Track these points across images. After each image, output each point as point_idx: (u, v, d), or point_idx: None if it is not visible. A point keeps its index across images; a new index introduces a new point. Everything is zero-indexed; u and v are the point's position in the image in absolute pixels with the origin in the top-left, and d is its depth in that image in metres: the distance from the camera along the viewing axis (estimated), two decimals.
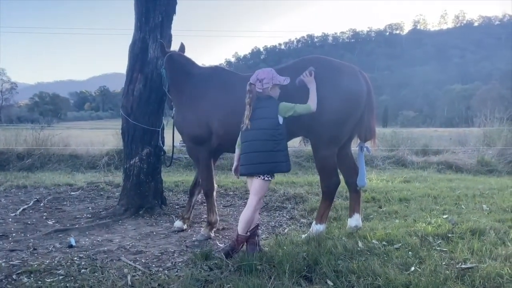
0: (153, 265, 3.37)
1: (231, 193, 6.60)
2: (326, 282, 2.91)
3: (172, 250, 3.78)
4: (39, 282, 2.95)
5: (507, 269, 2.97)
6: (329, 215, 4.26)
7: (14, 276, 3.05)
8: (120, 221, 4.84)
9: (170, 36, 5.41)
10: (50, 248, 3.78)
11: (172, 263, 3.43)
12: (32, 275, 3.07)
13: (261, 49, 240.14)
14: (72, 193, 6.49)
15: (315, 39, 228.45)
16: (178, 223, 4.54)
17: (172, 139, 5.02)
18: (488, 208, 5.19)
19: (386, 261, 3.19)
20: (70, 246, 3.83)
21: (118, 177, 7.57)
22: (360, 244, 3.63)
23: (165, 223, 4.83)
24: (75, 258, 3.46)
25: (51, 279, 3.00)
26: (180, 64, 4.55)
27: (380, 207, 5.40)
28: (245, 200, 6.05)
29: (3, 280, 2.97)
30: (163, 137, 5.34)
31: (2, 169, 9.04)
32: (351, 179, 4.20)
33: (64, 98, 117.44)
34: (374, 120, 4.12)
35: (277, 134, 3.48)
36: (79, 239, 4.11)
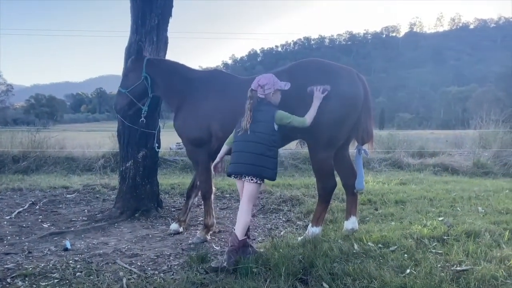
0: (149, 268, 3.36)
1: (228, 195, 6.60)
2: (322, 285, 2.91)
3: (168, 253, 3.77)
4: (34, 286, 2.94)
5: (502, 271, 2.99)
6: (325, 218, 4.26)
7: (8, 280, 3.03)
8: (116, 224, 4.82)
9: (166, 39, 5.41)
10: (45, 251, 3.77)
11: (168, 266, 3.42)
12: (27, 279, 3.06)
13: (258, 51, 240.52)
14: (68, 195, 6.46)
15: (312, 42, 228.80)
16: (174, 226, 4.53)
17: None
18: (483, 210, 5.22)
19: (381, 264, 3.20)
20: (66, 249, 3.82)
21: (114, 180, 7.55)
22: (356, 246, 3.63)
23: (161, 226, 4.82)
24: (71, 262, 3.45)
25: (46, 283, 2.99)
26: (174, 69, 4.56)
27: (376, 209, 5.42)
28: None
29: None
30: (159, 140, 5.32)
31: None
32: (348, 181, 4.21)
33: (60, 100, 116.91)
34: (372, 122, 4.14)
35: (270, 139, 3.49)
36: (75, 242, 4.09)
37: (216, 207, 5.70)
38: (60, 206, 5.79)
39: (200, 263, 3.39)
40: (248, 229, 3.65)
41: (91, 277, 3.10)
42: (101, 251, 3.79)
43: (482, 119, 12.22)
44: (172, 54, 5.39)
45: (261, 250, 3.61)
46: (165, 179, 7.90)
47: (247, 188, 3.54)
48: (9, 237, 4.24)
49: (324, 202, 4.01)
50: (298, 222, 4.94)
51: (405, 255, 3.42)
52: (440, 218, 4.73)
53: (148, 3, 5.13)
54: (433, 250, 3.56)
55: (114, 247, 3.95)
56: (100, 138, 12.06)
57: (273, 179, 3.58)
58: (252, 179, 3.48)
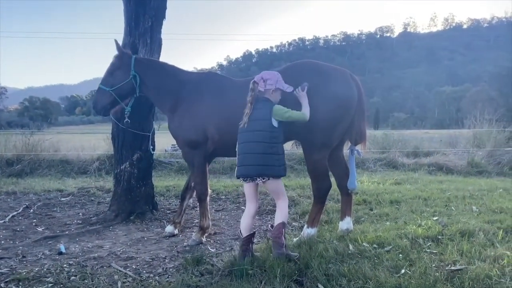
0: (144, 271, 3.35)
1: (223, 197, 6.59)
2: (317, 286, 2.92)
3: (163, 256, 3.76)
4: None
5: (496, 271, 3.00)
6: (320, 219, 4.27)
7: (2, 285, 3.01)
8: (111, 227, 4.80)
9: (160, 40, 5.41)
10: (40, 256, 3.74)
11: (163, 268, 3.42)
12: (20, 283, 3.05)
13: (253, 52, 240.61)
14: (63, 199, 6.43)
15: (307, 42, 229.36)
16: (169, 228, 4.52)
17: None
18: (477, 210, 5.25)
19: (376, 264, 3.21)
20: (60, 253, 3.80)
21: (109, 182, 7.52)
22: (351, 247, 3.64)
23: (156, 229, 4.81)
24: (65, 265, 3.43)
25: (40, 287, 2.97)
26: (165, 69, 4.52)
27: (371, 210, 5.43)
28: (237, 204, 6.06)
29: None
30: (154, 142, 5.31)
31: None
32: (343, 182, 4.22)
33: (55, 103, 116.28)
34: (365, 123, 4.17)
35: (271, 136, 3.46)
36: (69, 245, 4.07)
37: (212, 209, 5.69)
38: (55, 209, 5.76)
39: (195, 265, 3.38)
40: (253, 234, 3.61)
41: (86, 281, 3.09)
42: (96, 255, 3.77)
43: (476, 119, 12.29)
44: (166, 56, 5.39)
45: (257, 253, 3.59)
46: (160, 181, 7.88)
47: (270, 189, 3.61)
48: (2, 242, 4.21)
49: (319, 203, 4.02)
50: (293, 223, 4.94)
51: (400, 255, 3.43)
52: (435, 218, 4.75)
53: (141, 5, 5.12)
54: (428, 250, 3.58)
55: (109, 250, 3.94)
56: (95, 141, 12.00)
57: (282, 175, 3.56)
58: (264, 179, 3.48)
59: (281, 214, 3.53)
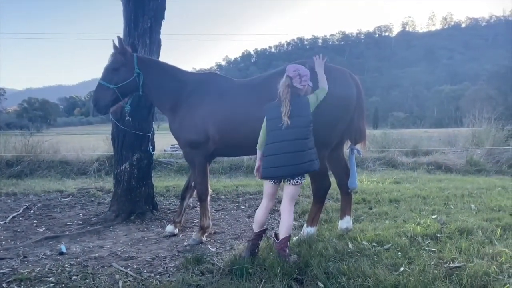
0: (145, 271, 3.37)
1: (223, 197, 6.61)
2: (317, 284, 2.94)
3: (164, 255, 3.77)
4: None
5: (494, 268, 3.03)
6: (320, 218, 4.29)
7: (4, 285, 3.03)
8: (111, 227, 4.82)
9: (159, 41, 5.42)
10: (41, 256, 3.76)
11: (163, 268, 3.43)
12: (22, 283, 3.06)
13: (252, 52, 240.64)
14: (63, 199, 6.45)
15: (305, 42, 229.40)
16: (169, 228, 4.54)
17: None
18: (476, 208, 5.27)
19: (376, 262, 3.23)
20: (61, 253, 3.81)
21: (109, 183, 7.54)
22: (350, 245, 3.66)
23: (157, 228, 4.82)
24: (66, 265, 3.45)
25: (42, 287, 2.99)
26: (165, 70, 4.52)
27: (371, 209, 5.45)
28: (237, 204, 6.08)
29: None
30: (153, 142, 5.32)
31: None
32: (343, 181, 4.24)
33: (54, 104, 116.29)
34: (364, 122, 4.19)
35: (307, 132, 3.40)
36: (70, 246, 4.09)
37: (212, 208, 5.70)
38: (55, 210, 5.77)
39: (196, 264, 3.40)
40: (264, 231, 3.61)
41: (87, 281, 3.10)
42: (97, 255, 3.79)
43: (475, 117, 12.34)
44: (165, 56, 5.40)
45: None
46: (160, 182, 7.90)
47: (289, 191, 3.51)
48: (4, 242, 4.22)
49: (319, 202, 4.04)
50: (293, 223, 4.95)
51: (399, 253, 3.45)
52: (434, 216, 4.77)
53: (140, 6, 5.14)
54: (427, 248, 3.60)
55: (109, 250, 3.95)
56: (94, 141, 12.02)
57: (318, 169, 3.50)
58: (297, 182, 3.45)
59: (287, 226, 3.44)
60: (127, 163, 5.18)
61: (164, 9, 5.40)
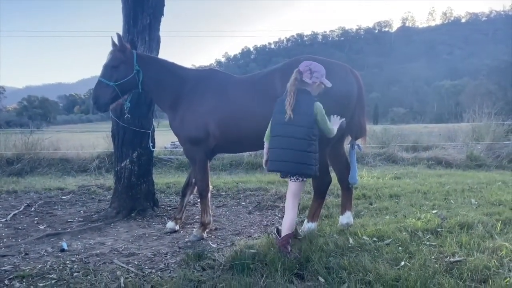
0: (146, 267, 3.37)
1: (223, 193, 6.62)
2: (318, 279, 2.95)
3: (165, 252, 3.78)
4: (32, 287, 2.95)
5: (494, 262, 3.04)
6: (320, 213, 4.30)
7: (6, 282, 3.04)
8: (112, 224, 4.83)
9: (158, 38, 5.41)
10: (42, 253, 3.77)
11: (165, 264, 3.44)
12: (24, 280, 3.07)
13: (251, 49, 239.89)
14: (63, 197, 6.45)
15: (305, 38, 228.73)
16: (170, 224, 4.55)
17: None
18: (476, 202, 5.29)
19: (376, 257, 3.24)
20: (62, 250, 3.82)
21: (109, 180, 7.55)
22: (351, 240, 3.67)
23: (157, 225, 4.83)
24: (68, 262, 3.46)
25: (44, 284, 3.00)
26: (165, 66, 4.51)
27: (371, 204, 5.47)
28: (237, 200, 6.09)
29: None
30: (153, 139, 5.33)
31: None
32: (343, 177, 4.25)
33: (53, 102, 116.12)
34: (365, 118, 4.19)
35: (310, 133, 3.35)
36: (71, 243, 4.10)
37: (212, 205, 5.71)
38: (56, 207, 5.78)
39: (197, 260, 3.41)
40: (296, 228, 3.61)
41: (89, 277, 3.11)
42: (98, 251, 3.80)
43: (475, 112, 12.32)
44: (165, 53, 5.39)
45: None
46: (161, 178, 7.91)
47: (290, 186, 3.50)
48: (5, 240, 4.23)
49: (320, 198, 4.05)
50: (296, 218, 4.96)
51: (400, 248, 3.47)
52: (434, 211, 4.79)
53: (139, 3, 5.12)
54: (427, 243, 3.61)
55: (111, 246, 3.96)
56: (94, 139, 12.02)
57: (316, 176, 3.49)
58: (297, 179, 3.43)
59: (290, 223, 3.43)
60: (128, 160, 5.18)
61: (163, 5, 5.38)
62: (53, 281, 3.03)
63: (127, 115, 4.65)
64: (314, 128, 3.38)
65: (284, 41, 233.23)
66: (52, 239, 4.23)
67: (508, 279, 2.78)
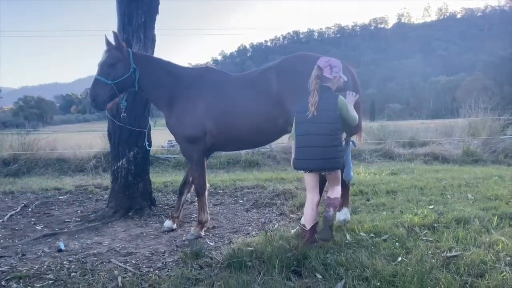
0: (144, 266, 3.37)
1: (221, 191, 6.61)
2: (315, 276, 2.95)
3: (163, 250, 3.78)
4: None
5: (491, 256, 3.05)
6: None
7: (3, 283, 3.03)
8: (110, 224, 4.82)
9: (153, 36, 5.39)
10: (39, 253, 3.76)
11: (162, 263, 3.44)
12: (21, 281, 3.06)
13: (248, 47, 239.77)
14: (60, 197, 6.44)
15: (301, 35, 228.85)
16: (168, 223, 4.54)
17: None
18: (473, 197, 5.30)
19: (373, 253, 3.25)
20: (60, 251, 3.81)
21: (106, 180, 7.52)
22: (348, 237, 3.68)
23: (155, 224, 4.83)
24: (65, 262, 3.45)
25: (41, 284, 3.00)
26: (161, 65, 4.49)
27: (368, 200, 5.47)
28: (235, 198, 6.10)
29: None
30: (150, 138, 5.31)
31: None
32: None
33: (50, 102, 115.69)
34: (360, 115, 4.18)
35: (336, 128, 3.41)
36: (68, 243, 4.09)
37: (210, 203, 5.71)
38: (53, 207, 5.76)
39: (194, 259, 3.41)
40: (317, 223, 3.65)
41: (86, 277, 3.11)
42: (96, 251, 3.79)
43: (471, 108, 12.34)
44: (160, 51, 5.38)
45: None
46: (158, 177, 7.89)
47: (330, 178, 3.58)
48: (2, 240, 4.21)
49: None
50: (291, 215, 4.97)
51: (397, 243, 3.48)
52: (431, 206, 4.80)
53: (134, 1, 5.10)
54: (424, 238, 3.63)
55: (108, 246, 3.96)
56: (91, 139, 11.99)
57: (343, 168, 3.59)
58: (330, 172, 3.52)
59: (337, 192, 3.59)
60: (124, 159, 5.17)
61: (158, 3, 5.36)
62: (51, 282, 3.03)
63: (123, 114, 4.63)
64: (338, 123, 3.44)
65: (281, 39, 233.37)
66: (49, 240, 4.21)
67: (505, 273, 2.79)
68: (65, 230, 4.56)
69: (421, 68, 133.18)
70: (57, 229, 4.60)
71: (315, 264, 3.06)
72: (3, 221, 5.00)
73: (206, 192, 4.46)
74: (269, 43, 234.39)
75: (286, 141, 11.96)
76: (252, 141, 4.45)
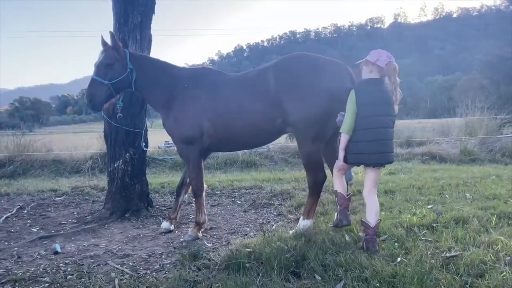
0: (141, 268, 3.34)
1: (218, 192, 6.58)
2: (314, 277, 2.93)
3: (160, 252, 3.75)
4: None
5: (490, 256, 3.04)
6: (316, 210, 4.28)
7: None
8: (106, 225, 4.78)
9: (150, 36, 5.35)
10: (35, 256, 3.72)
11: (160, 265, 3.41)
12: (17, 284, 3.03)
13: (244, 47, 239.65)
14: (57, 198, 6.39)
15: (298, 35, 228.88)
16: (165, 224, 4.52)
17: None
18: (471, 197, 5.30)
19: (372, 253, 3.23)
20: (56, 253, 3.77)
21: (103, 181, 7.48)
22: (347, 237, 3.66)
23: (152, 225, 4.79)
24: (61, 265, 3.42)
25: (37, 287, 2.96)
26: (157, 66, 4.46)
27: None
28: (232, 199, 6.07)
29: None
30: (146, 139, 5.28)
31: None
32: None
33: (46, 103, 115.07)
34: None
35: (392, 122, 3.46)
36: (65, 245, 4.05)
37: (207, 204, 5.68)
38: (49, 209, 5.72)
39: (192, 260, 3.38)
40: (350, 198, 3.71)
41: (83, 279, 3.08)
42: (92, 253, 3.76)
43: (468, 107, 12.35)
44: (156, 52, 5.34)
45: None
46: (155, 178, 7.86)
47: (373, 175, 3.49)
48: None
49: (315, 194, 4.03)
50: (289, 216, 4.95)
51: (396, 243, 3.46)
52: (429, 206, 4.79)
53: (130, 1, 5.06)
54: (423, 238, 3.61)
55: (105, 248, 3.92)
56: (87, 140, 11.92)
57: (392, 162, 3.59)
58: (384, 166, 3.52)
59: (376, 210, 3.46)
60: (121, 161, 5.13)
61: (154, 3, 5.33)
62: (47, 285, 2.99)
63: (120, 114, 4.60)
64: (395, 116, 3.47)
65: (277, 39, 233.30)
66: (45, 242, 4.17)
67: (504, 273, 2.78)
68: (61, 232, 4.52)
69: (417, 68, 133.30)
70: (53, 231, 4.56)
71: (314, 265, 3.04)
72: None
73: (204, 193, 4.43)
74: (265, 43, 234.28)
75: (283, 141, 12.01)
76: (250, 142, 4.41)
